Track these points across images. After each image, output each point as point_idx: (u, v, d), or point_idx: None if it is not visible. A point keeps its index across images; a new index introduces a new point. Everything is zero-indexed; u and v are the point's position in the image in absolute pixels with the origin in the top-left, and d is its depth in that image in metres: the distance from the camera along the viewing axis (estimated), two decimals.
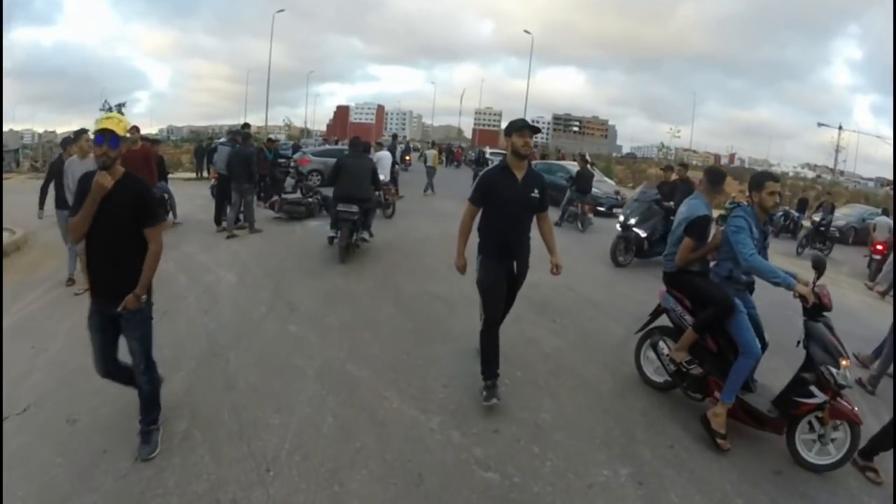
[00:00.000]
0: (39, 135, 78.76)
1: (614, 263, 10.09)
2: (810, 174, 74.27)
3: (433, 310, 6.94)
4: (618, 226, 10.41)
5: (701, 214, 4.49)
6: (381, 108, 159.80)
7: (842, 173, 64.62)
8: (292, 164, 18.74)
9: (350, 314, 6.54)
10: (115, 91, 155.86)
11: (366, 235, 9.56)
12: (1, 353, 4.44)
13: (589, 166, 15.84)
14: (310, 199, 13.26)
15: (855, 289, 11.26)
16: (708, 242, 4.57)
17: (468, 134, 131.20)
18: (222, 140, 18.30)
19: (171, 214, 11.43)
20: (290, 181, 16.43)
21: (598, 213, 16.39)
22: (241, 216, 10.99)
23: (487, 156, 32.82)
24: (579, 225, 14.37)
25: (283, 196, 13.49)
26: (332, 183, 9.05)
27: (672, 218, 7.57)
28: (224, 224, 11.12)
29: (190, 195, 15.88)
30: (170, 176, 14.51)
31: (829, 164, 66.76)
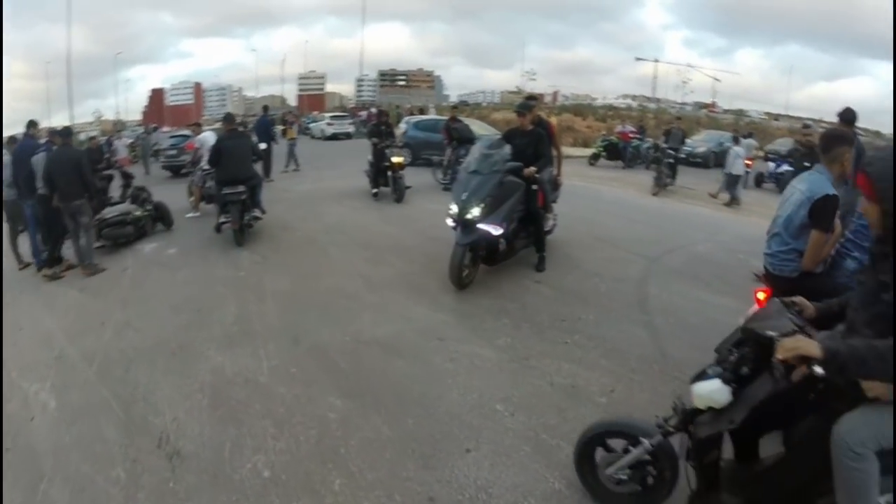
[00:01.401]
0: None
1: (457, 286, 6.21)
2: (633, 104, 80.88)
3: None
4: (450, 223, 6.26)
5: (829, 193, 3.51)
6: (198, 87, 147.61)
7: (658, 100, 71.00)
8: (112, 163, 15.38)
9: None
10: None
11: (258, 213, 9.30)
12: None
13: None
14: (138, 213, 9.76)
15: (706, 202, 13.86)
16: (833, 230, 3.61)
17: (292, 101, 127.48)
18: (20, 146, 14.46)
19: None
20: (116, 187, 12.55)
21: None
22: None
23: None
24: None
25: (101, 214, 9.45)
26: (213, 166, 9.01)
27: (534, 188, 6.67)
28: (37, 262, 8.57)
29: None
30: None
31: (646, 94, 72.82)
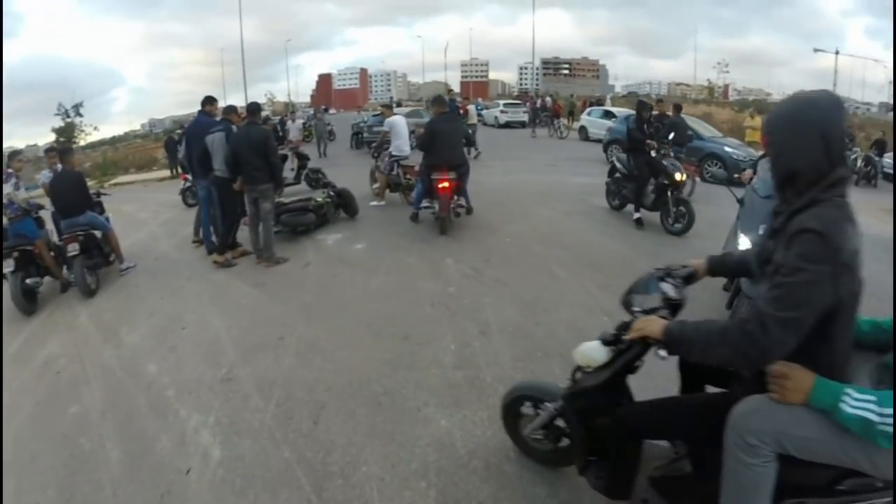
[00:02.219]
0: (22, 150, 77.79)
1: None
2: None
3: None
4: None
5: None
6: (364, 72, 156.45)
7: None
8: (287, 142, 15.42)
9: None
10: (90, 93, 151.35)
11: (463, 202, 8.17)
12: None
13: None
14: (320, 200, 8.63)
15: None
16: None
17: (456, 88, 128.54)
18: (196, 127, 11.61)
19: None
20: (288, 169, 11.65)
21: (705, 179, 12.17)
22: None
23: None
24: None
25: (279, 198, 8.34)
26: (424, 150, 7.77)
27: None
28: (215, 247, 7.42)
29: (156, 205, 13.42)
30: (133, 179, 11.63)
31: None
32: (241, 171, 6.74)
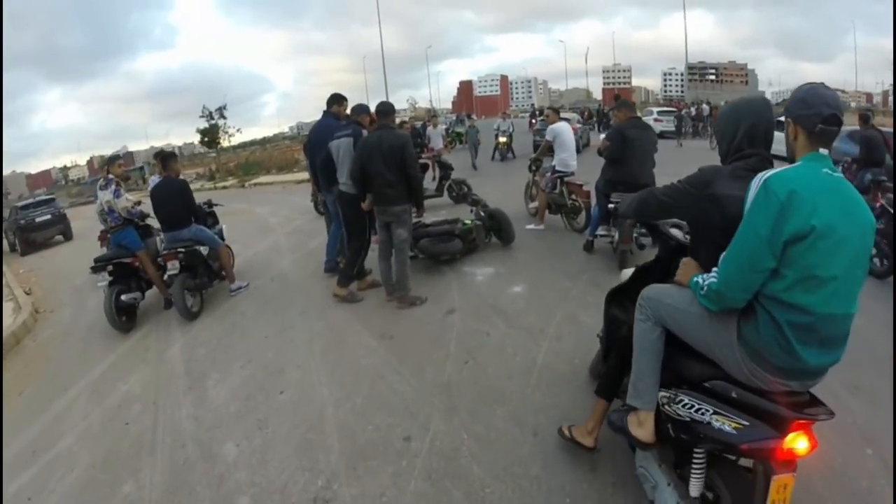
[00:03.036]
0: (179, 147, 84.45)
1: None
2: None
3: None
4: None
5: None
6: (504, 79, 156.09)
7: None
8: (429, 147, 14.06)
9: None
10: (241, 97, 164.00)
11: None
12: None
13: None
14: (468, 223, 6.83)
15: None
16: None
17: (598, 95, 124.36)
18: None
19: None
20: (429, 179, 10.44)
21: None
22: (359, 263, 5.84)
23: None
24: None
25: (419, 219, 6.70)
26: (612, 160, 6.01)
27: None
28: (348, 286, 5.78)
29: (289, 210, 12.88)
30: (273, 180, 10.81)
31: None
32: (370, 186, 5.21)
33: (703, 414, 2.02)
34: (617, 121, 6.25)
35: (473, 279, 6.02)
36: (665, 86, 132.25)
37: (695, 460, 2.12)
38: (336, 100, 6.25)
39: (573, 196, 7.39)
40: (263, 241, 9.52)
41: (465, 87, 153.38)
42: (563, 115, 8.43)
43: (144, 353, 5.21)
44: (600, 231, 6.36)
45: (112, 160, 6.33)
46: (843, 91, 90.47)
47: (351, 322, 5.14)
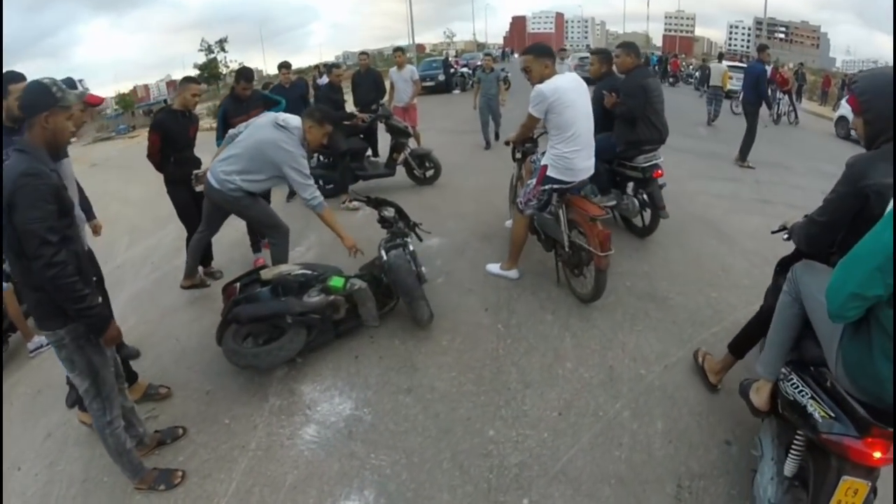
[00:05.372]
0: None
1: None
2: None
3: None
4: None
5: None
6: (559, 17, 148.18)
7: None
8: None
9: None
10: (290, 25, 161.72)
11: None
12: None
13: None
14: (336, 282, 3.70)
15: None
16: None
17: (657, 41, 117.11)
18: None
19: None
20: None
21: None
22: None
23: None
24: None
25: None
26: (633, 115, 4.89)
27: None
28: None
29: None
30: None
31: None
32: None
33: (803, 396, 2.05)
34: (623, 67, 5.16)
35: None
36: (730, 38, 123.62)
37: (795, 441, 2.12)
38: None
39: (581, 230, 4.03)
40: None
41: (518, 23, 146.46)
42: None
43: None
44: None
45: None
46: None
47: None
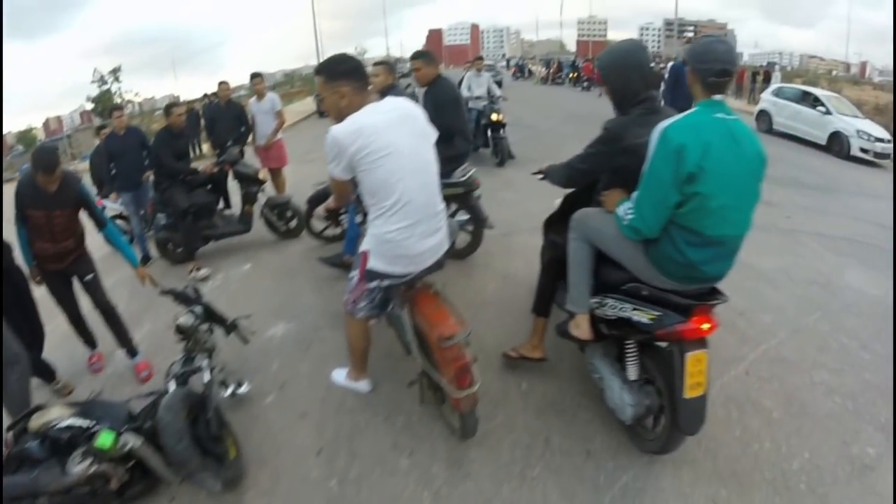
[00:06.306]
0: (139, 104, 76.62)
1: None
2: None
3: None
4: None
5: None
6: (475, 28, 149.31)
7: None
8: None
9: None
10: (204, 47, 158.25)
11: None
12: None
13: None
14: (105, 443, 2.29)
15: None
16: None
17: (571, 47, 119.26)
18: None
19: None
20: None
21: None
22: None
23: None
24: None
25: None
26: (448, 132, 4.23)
27: None
28: None
29: None
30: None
31: None
32: None
33: (624, 311, 2.41)
34: (424, 80, 4.72)
35: None
36: (642, 40, 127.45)
37: (627, 350, 2.53)
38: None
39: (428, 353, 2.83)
40: None
41: (435, 36, 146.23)
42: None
43: None
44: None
45: None
46: (820, 59, 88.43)
47: None
